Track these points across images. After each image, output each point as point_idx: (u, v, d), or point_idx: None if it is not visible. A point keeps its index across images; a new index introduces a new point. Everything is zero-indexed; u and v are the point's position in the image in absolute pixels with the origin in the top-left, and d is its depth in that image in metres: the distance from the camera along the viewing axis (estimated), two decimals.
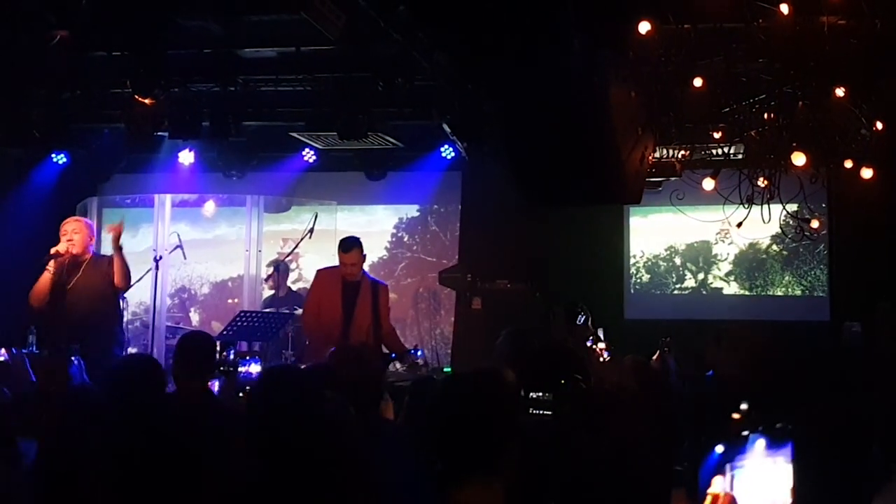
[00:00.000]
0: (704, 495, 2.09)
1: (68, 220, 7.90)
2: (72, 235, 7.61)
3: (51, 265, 7.53)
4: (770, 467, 2.18)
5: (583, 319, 6.01)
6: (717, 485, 2.10)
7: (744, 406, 2.14)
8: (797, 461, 2.19)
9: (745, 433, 2.12)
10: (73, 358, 6.42)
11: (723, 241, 11.55)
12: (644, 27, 6.06)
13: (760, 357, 4.99)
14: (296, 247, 11.23)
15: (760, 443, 2.16)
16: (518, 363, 4.78)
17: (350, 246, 7.86)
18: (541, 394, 3.60)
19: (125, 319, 9.61)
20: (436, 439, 2.85)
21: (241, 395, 6.11)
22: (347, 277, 7.85)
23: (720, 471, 2.09)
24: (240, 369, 6.90)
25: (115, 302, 7.90)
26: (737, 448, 2.11)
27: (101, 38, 8.24)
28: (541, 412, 3.46)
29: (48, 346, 7.41)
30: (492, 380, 2.97)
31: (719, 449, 2.09)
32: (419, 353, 8.47)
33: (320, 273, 8.31)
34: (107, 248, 8.38)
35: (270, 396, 3.25)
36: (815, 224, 7.18)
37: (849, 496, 3.39)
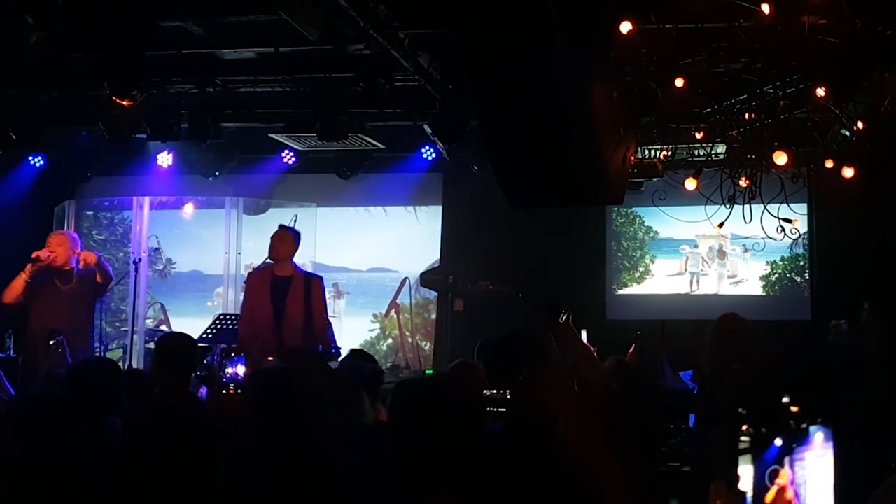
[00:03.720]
0: (763, 486, 2.06)
1: (53, 233, 8.42)
2: (55, 248, 7.92)
3: (28, 269, 7.67)
4: (829, 459, 2.17)
5: (565, 317, 5.98)
6: (785, 477, 2.08)
7: (785, 399, 2.11)
8: (838, 453, 2.18)
9: (805, 425, 2.10)
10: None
11: (705, 242, 11.57)
12: (626, 27, 6.03)
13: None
14: None
15: (819, 435, 2.14)
16: (493, 366, 4.75)
17: (281, 226, 7.87)
18: (495, 391, 3.56)
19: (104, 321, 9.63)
20: (394, 446, 2.80)
21: (224, 392, 5.98)
22: (272, 257, 7.70)
23: (779, 463, 2.07)
24: (226, 371, 6.79)
25: (93, 311, 8.21)
26: (797, 440, 2.08)
27: (78, 39, 8.16)
28: (496, 409, 3.42)
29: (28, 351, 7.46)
30: (446, 388, 2.91)
31: (778, 442, 2.06)
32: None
33: (250, 276, 8.21)
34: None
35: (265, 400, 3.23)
36: (796, 223, 7.18)
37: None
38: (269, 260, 7.78)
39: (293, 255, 7.81)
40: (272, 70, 9.20)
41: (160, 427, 2.91)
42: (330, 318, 8.17)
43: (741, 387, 4.11)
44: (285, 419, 3.13)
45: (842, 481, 2.17)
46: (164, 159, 11.40)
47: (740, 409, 2.06)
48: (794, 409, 2.12)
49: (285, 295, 7.61)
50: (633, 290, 11.85)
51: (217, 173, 11.94)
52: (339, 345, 8.04)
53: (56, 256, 7.87)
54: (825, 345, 7.49)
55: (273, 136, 10.88)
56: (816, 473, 2.15)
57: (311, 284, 7.75)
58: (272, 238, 7.79)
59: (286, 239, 7.75)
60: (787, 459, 2.08)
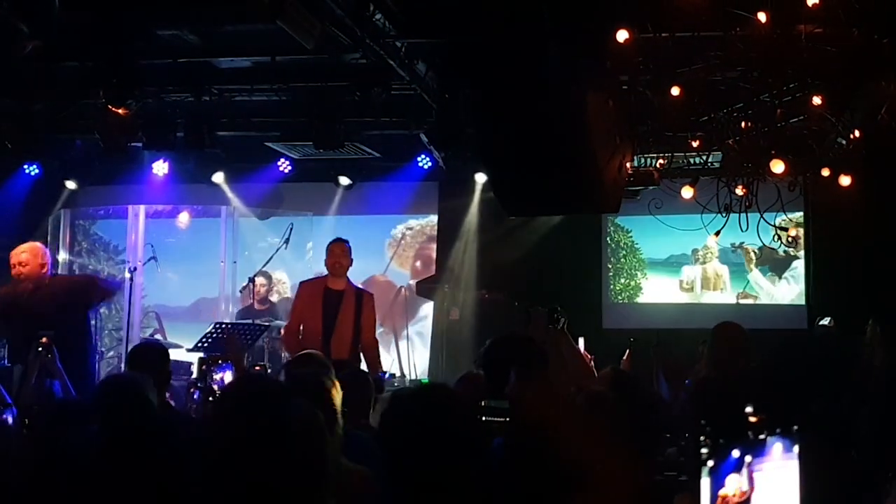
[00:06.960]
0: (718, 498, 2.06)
1: (17, 248, 7.29)
2: (19, 269, 7.07)
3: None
4: (788, 469, 2.16)
5: (562, 323, 5.99)
6: (730, 485, 2.07)
7: (748, 409, 2.10)
8: (803, 463, 2.17)
9: (763, 435, 2.09)
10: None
11: (701, 251, 11.56)
12: (622, 35, 6.02)
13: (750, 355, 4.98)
14: (271, 258, 11.17)
15: (778, 445, 2.13)
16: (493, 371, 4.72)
17: (339, 239, 7.69)
18: (493, 401, 3.52)
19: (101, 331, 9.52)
20: (387, 458, 2.76)
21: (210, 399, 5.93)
22: (333, 271, 7.54)
23: (737, 473, 2.06)
24: (214, 377, 6.74)
25: (85, 320, 7.43)
26: (755, 450, 2.07)
27: (74, 48, 8.15)
28: (496, 419, 3.38)
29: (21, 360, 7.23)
30: (443, 398, 2.87)
31: (736, 452, 2.05)
32: (385, 376, 8.08)
33: (303, 285, 7.97)
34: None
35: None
36: (792, 232, 7.17)
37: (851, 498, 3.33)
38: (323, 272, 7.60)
39: (349, 268, 7.65)
40: (268, 79, 9.20)
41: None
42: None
43: (706, 396, 4.09)
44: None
45: (808, 492, 2.17)
46: (160, 168, 11.39)
47: (701, 420, 2.05)
48: (753, 419, 2.11)
49: (337, 309, 7.45)
50: (629, 298, 11.83)
51: (213, 182, 11.92)
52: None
53: (24, 274, 7.01)
54: (816, 354, 7.46)
55: (269, 144, 10.87)
56: (774, 484, 2.14)
57: (363, 300, 7.59)
58: (334, 250, 7.59)
59: (348, 253, 7.59)
60: (744, 470, 2.07)
